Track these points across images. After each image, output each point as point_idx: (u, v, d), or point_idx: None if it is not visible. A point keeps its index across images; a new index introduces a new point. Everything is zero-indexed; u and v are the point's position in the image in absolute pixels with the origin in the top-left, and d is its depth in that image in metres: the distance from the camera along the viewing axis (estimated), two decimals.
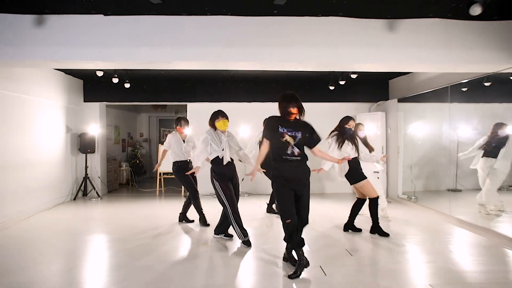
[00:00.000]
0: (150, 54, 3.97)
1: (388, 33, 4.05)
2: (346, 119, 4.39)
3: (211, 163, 4.12)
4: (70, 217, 5.71)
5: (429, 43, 4.07)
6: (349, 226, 4.58)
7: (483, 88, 5.26)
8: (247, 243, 4.00)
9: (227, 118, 4.08)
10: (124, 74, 6.73)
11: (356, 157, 4.38)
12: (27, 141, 5.80)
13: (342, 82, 6.67)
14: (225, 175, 4.06)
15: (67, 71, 6.95)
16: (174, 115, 10.52)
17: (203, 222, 4.95)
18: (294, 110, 3.14)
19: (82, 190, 7.49)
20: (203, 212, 4.99)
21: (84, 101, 7.79)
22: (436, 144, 6.77)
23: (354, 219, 4.56)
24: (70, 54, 3.91)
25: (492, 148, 5.19)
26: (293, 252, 3.34)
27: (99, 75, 5.98)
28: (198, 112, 7.51)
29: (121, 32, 3.92)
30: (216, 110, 4.14)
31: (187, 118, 5.19)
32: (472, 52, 4.12)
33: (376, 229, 4.43)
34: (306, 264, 3.19)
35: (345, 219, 4.64)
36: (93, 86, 7.77)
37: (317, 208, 4.73)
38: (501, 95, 5.62)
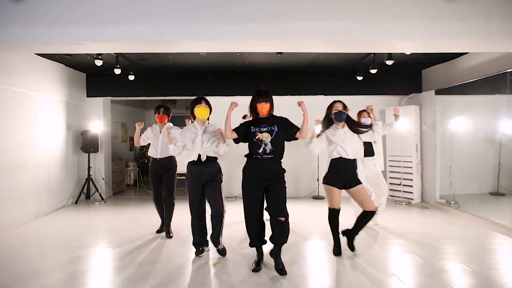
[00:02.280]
0: (151, 32, 3.25)
1: (445, 3, 3.23)
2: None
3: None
4: (69, 225, 5.08)
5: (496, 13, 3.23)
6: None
7: None
8: (198, 253, 3.63)
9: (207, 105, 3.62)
10: (128, 65, 6.08)
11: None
12: (23, 139, 5.24)
13: (373, 71, 5.82)
14: (191, 175, 3.52)
15: (68, 63, 6.36)
16: (185, 111, 9.86)
17: (160, 229, 4.52)
18: (262, 105, 3.15)
19: (85, 193, 6.89)
20: (163, 220, 4.50)
21: (87, 96, 7.20)
22: (482, 142, 5.89)
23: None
24: (55, 34, 3.21)
25: None
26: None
27: (98, 65, 5.32)
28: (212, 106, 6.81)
29: (116, 7, 3.22)
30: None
31: (169, 107, 4.47)
32: None
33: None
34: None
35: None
36: (97, 80, 7.18)
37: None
38: None
